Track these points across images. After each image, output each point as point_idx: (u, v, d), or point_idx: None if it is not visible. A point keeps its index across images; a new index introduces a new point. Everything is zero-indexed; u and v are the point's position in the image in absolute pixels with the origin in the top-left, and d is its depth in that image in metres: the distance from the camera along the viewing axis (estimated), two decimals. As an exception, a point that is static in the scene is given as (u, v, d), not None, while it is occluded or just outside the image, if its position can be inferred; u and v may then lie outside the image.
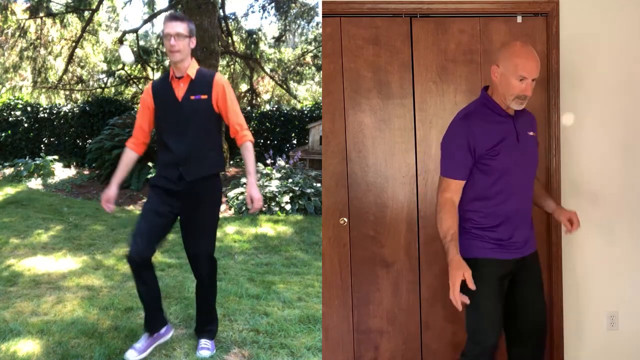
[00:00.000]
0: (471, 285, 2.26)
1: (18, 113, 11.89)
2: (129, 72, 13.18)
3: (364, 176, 3.27)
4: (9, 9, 11.70)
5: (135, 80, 13.34)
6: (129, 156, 2.86)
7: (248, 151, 2.76)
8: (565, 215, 2.63)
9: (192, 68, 2.73)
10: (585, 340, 3.24)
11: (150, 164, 8.30)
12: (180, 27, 2.65)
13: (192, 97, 2.69)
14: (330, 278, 3.31)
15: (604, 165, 3.18)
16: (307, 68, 14.24)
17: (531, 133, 2.51)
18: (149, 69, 13.36)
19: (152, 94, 2.77)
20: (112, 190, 2.77)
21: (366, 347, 3.32)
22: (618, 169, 3.19)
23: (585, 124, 3.17)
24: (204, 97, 2.69)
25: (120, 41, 11.89)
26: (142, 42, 13.24)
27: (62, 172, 10.15)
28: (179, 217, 2.79)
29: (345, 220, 3.28)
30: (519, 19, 3.18)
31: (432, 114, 3.21)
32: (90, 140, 10.77)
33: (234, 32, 12.74)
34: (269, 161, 8.29)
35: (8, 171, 10.06)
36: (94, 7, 11.95)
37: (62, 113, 11.96)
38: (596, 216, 3.20)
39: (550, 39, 3.15)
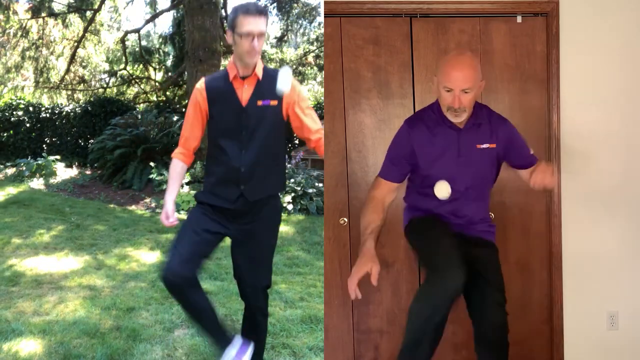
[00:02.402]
0: (374, 282, 2.21)
1: (20, 113, 11.92)
2: (131, 72, 13.21)
3: (364, 176, 3.28)
4: (11, 8, 11.72)
5: (137, 81, 13.37)
6: (179, 169, 2.40)
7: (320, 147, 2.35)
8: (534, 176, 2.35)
9: (259, 66, 2.26)
10: (585, 340, 3.24)
11: (152, 163, 8.32)
12: (263, 24, 2.16)
13: (260, 103, 2.24)
14: (331, 278, 3.31)
15: (604, 165, 3.18)
16: (309, 68, 14.24)
17: (485, 145, 2.38)
18: (150, 68, 13.38)
19: (207, 95, 2.28)
20: (169, 206, 2.32)
21: (366, 347, 3.32)
22: (618, 169, 3.20)
23: (585, 124, 3.17)
24: (273, 103, 2.24)
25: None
26: (144, 42, 13.27)
27: (64, 172, 10.18)
28: (230, 241, 2.41)
29: (346, 220, 3.28)
30: (519, 19, 3.18)
31: (432, 114, 3.21)
32: (92, 140, 10.80)
33: (235, 32, 12.77)
34: None
35: (10, 171, 10.09)
36: (96, 7, 11.97)
37: (64, 113, 11.98)
38: (596, 216, 3.20)
39: (550, 39, 3.15)
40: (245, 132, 2.24)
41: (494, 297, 2.33)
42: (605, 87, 3.16)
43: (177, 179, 2.40)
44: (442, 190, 2.35)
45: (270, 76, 2.26)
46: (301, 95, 2.30)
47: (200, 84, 2.32)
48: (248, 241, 2.34)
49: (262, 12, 2.15)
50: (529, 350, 3.29)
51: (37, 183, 9.21)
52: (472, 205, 2.46)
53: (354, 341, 3.32)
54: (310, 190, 7.28)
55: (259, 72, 2.25)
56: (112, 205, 7.70)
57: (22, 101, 12.24)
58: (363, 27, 3.23)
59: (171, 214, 2.33)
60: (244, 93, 2.24)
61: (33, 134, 11.91)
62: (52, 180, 9.42)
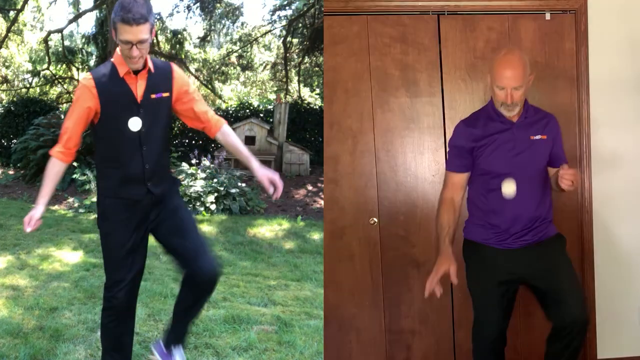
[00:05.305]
0: (454, 280, 2.40)
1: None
2: (54, 72, 13.00)
3: (393, 176, 3.25)
4: None
5: (60, 80, 13.20)
6: (57, 168, 2.26)
7: (231, 134, 2.34)
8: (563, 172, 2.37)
9: (149, 58, 2.20)
10: (617, 334, 3.27)
11: (75, 163, 8.20)
12: (143, 32, 2.05)
13: (153, 96, 2.19)
14: (361, 279, 3.27)
15: (635, 159, 3.21)
16: (232, 68, 14.28)
17: (538, 137, 2.51)
18: (74, 68, 13.20)
19: (98, 94, 2.15)
20: (38, 210, 2.20)
21: (398, 347, 3.30)
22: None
23: (615, 121, 3.19)
24: (165, 95, 2.22)
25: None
26: (67, 42, 13.16)
27: (-14, 172, 9.99)
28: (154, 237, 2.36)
29: (375, 220, 3.25)
30: (548, 16, 3.19)
31: (462, 112, 3.18)
32: (15, 140, 10.65)
33: (159, 31, 12.62)
34: (193, 161, 8.07)
35: None
36: (19, 7, 11.78)
37: (-14, 113, 11.71)
38: (628, 210, 3.23)
39: (579, 36, 3.16)
40: (143, 128, 2.19)
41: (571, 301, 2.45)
42: (634, 83, 3.18)
43: (54, 179, 2.27)
44: (509, 187, 2.43)
45: (159, 68, 2.23)
46: (188, 82, 2.30)
47: (89, 81, 2.17)
48: (167, 219, 2.30)
49: (142, 19, 2.03)
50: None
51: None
52: (531, 203, 2.51)
53: (386, 342, 3.29)
54: (233, 190, 7.30)
55: (151, 65, 2.19)
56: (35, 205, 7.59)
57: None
58: (390, 25, 3.20)
59: (34, 220, 2.18)
60: (138, 89, 2.18)
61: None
62: (-26, 180, 9.23)
